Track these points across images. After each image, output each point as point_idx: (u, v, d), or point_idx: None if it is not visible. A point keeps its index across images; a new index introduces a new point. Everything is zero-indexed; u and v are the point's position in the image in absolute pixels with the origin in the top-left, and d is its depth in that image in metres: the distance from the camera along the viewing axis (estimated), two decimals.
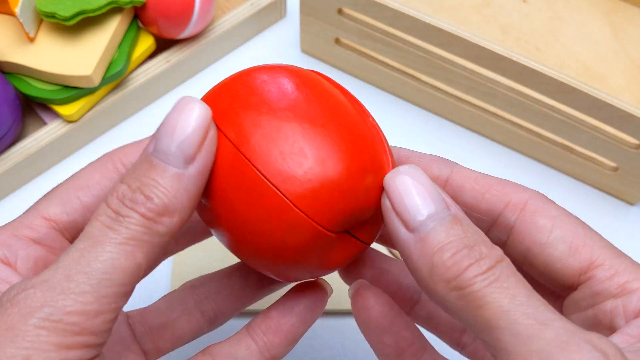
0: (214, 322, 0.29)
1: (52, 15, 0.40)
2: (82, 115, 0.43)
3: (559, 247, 0.23)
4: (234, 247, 0.23)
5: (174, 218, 0.21)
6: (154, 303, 0.30)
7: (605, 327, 0.21)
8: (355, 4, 0.42)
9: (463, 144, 0.46)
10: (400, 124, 0.47)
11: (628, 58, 0.49)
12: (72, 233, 0.26)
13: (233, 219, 0.22)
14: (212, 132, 0.22)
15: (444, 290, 0.20)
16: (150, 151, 0.21)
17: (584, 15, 0.51)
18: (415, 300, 0.28)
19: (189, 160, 0.21)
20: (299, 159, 0.21)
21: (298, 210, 0.20)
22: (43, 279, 0.20)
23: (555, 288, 0.24)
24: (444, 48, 0.41)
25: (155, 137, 0.22)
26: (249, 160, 0.21)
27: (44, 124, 0.44)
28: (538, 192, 0.24)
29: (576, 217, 0.24)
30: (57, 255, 0.25)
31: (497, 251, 0.20)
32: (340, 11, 0.44)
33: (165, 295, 0.30)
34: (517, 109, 0.42)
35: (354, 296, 0.25)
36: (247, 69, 0.25)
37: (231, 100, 0.23)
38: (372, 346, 0.26)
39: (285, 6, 0.51)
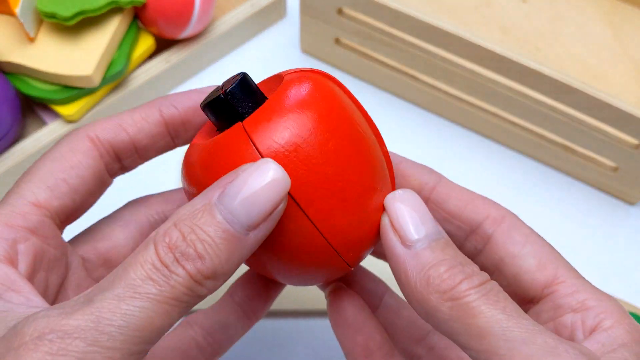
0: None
1: (52, 15, 0.40)
2: (82, 115, 0.43)
3: (529, 260, 0.25)
4: (264, 271, 0.25)
5: (218, 282, 0.20)
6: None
7: (566, 339, 0.22)
8: (355, 4, 0.42)
9: (463, 144, 0.46)
10: (400, 124, 0.47)
11: (628, 58, 0.49)
12: (62, 218, 0.24)
13: (278, 253, 0.23)
14: (283, 205, 0.21)
15: (438, 301, 0.21)
16: (214, 201, 0.20)
17: (584, 15, 0.51)
18: (375, 306, 0.29)
19: (253, 228, 0.20)
20: (347, 218, 0.23)
21: (339, 256, 0.23)
22: (74, 325, 0.18)
23: (519, 299, 0.25)
24: (444, 48, 0.41)
25: (223, 188, 0.20)
26: (305, 213, 0.22)
27: (44, 124, 0.44)
28: (512, 212, 0.26)
29: (544, 239, 0.26)
30: (51, 246, 0.24)
31: (484, 273, 0.22)
32: (340, 11, 0.44)
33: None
34: (517, 109, 0.42)
35: (330, 296, 0.27)
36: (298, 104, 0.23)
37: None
38: (343, 345, 0.27)
39: (285, 6, 0.51)
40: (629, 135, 0.39)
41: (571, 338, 0.23)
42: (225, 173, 0.21)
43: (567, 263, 0.25)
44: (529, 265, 0.25)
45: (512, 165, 0.45)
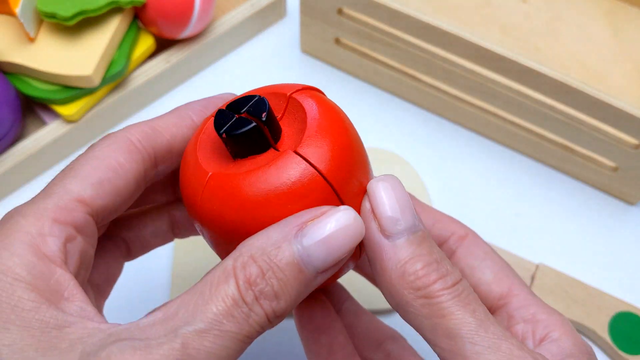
0: None
1: (52, 16, 0.40)
2: (82, 115, 0.43)
3: (486, 273, 0.27)
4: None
5: (281, 319, 0.20)
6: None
7: None
8: (355, 4, 0.42)
9: (463, 144, 0.46)
10: (400, 124, 0.47)
11: (628, 58, 0.49)
12: (100, 218, 0.23)
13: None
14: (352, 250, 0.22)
15: (411, 297, 0.22)
16: (292, 238, 0.20)
17: (584, 15, 0.51)
18: (337, 311, 0.30)
19: (322, 271, 0.21)
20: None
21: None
22: (161, 354, 0.18)
23: None
24: (444, 48, 0.41)
25: (301, 227, 0.20)
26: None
27: (44, 124, 0.44)
28: (474, 231, 0.29)
29: (502, 258, 0.28)
30: (91, 246, 0.23)
31: (457, 271, 0.23)
32: (340, 11, 0.44)
33: None
34: (517, 109, 0.42)
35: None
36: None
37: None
38: (306, 346, 0.28)
39: (285, 6, 0.51)
40: (629, 135, 0.39)
41: None
42: (290, 204, 0.21)
43: (521, 280, 0.27)
44: (486, 278, 0.27)
45: (512, 165, 0.45)
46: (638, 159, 0.40)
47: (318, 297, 0.28)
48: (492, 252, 0.28)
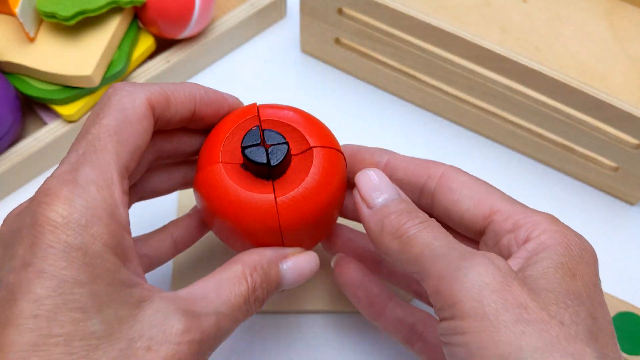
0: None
1: (52, 15, 0.40)
2: (82, 115, 0.43)
3: (466, 202, 0.29)
4: (225, 241, 0.32)
5: None
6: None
7: (504, 257, 0.27)
8: (355, 4, 0.42)
9: (463, 144, 0.46)
10: (400, 124, 0.47)
11: (628, 58, 0.49)
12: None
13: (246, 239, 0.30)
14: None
15: (390, 241, 0.27)
16: (280, 265, 0.29)
17: (584, 15, 0.51)
18: (378, 261, 0.35)
19: (288, 287, 0.30)
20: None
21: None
22: (203, 329, 0.25)
23: (472, 235, 0.30)
24: (443, 48, 0.41)
25: (285, 258, 0.29)
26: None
27: (44, 124, 0.44)
28: (453, 166, 0.31)
29: (482, 180, 0.30)
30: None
31: (426, 215, 0.28)
32: (340, 11, 0.44)
33: None
34: (517, 109, 0.42)
35: (336, 265, 0.34)
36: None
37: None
38: (351, 301, 0.34)
39: (285, 6, 0.51)
40: (629, 135, 0.39)
41: (509, 255, 0.27)
42: (253, 224, 0.29)
43: (502, 194, 0.29)
44: (467, 206, 0.29)
45: (512, 165, 0.45)
46: (638, 159, 0.40)
47: (350, 262, 0.34)
48: (469, 180, 0.30)
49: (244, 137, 0.29)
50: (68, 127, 0.43)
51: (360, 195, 0.29)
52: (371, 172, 0.30)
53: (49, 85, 0.42)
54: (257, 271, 0.28)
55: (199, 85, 0.31)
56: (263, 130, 0.29)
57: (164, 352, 0.23)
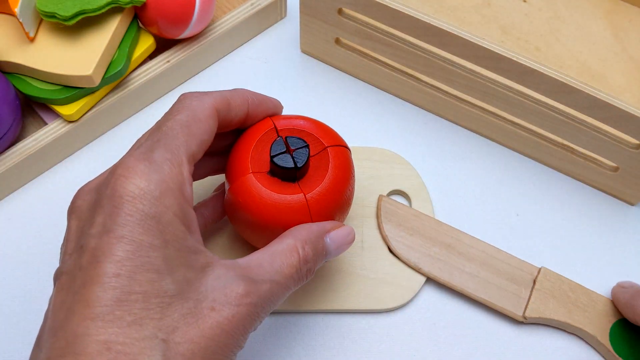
0: None
1: (52, 15, 0.40)
2: (82, 115, 0.43)
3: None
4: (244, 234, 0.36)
5: None
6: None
7: None
8: (355, 4, 0.42)
9: (463, 144, 0.46)
10: (400, 124, 0.47)
11: (628, 58, 0.49)
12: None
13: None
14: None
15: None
16: (326, 236, 0.32)
17: (584, 15, 0.51)
18: None
19: (330, 256, 0.33)
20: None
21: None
22: (260, 293, 0.28)
23: None
24: (443, 48, 0.41)
25: (329, 232, 0.32)
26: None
27: (44, 124, 0.44)
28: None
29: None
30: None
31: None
32: (340, 11, 0.44)
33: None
34: (517, 109, 0.42)
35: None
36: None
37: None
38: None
39: (285, 6, 0.51)
40: (629, 135, 0.39)
41: None
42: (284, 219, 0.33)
43: None
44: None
45: (512, 165, 0.45)
46: (638, 159, 0.40)
47: None
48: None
49: (271, 148, 0.33)
50: (68, 127, 0.43)
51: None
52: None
53: (49, 85, 0.42)
54: (307, 244, 0.31)
55: (248, 90, 0.34)
56: (286, 137, 0.33)
57: (226, 312, 0.26)
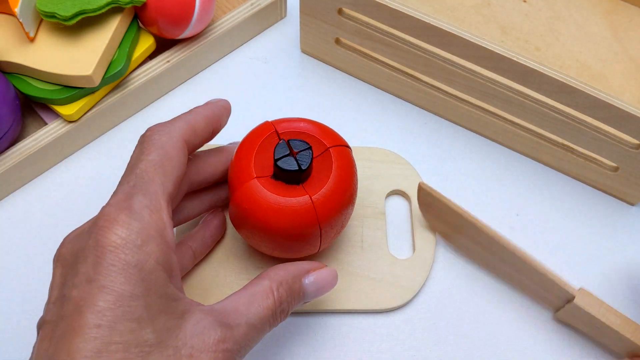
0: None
1: (52, 15, 0.40)
2: (82, 115, 0.43)
3: None
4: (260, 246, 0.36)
5: None
6: None
7: None
8: (355, 4, 0.42)
9: (463, 144, 0.46)
10: (400, 124, 0.47)
11: (628, 58, 0.49)
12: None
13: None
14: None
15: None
16: (303, 280, 0.32)
17: (584, 15, 0.51)
18: None
19: (309, 299, 0.33)
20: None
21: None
22: (236, 339, 0.29)
23: None
24: (443, 48, 0.41)
25: (309, 274, 0.32)
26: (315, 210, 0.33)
27: (44, 124, 0.44)
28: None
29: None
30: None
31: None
32: (340, 11, 0.44)
33: None
34: (517, 109, 0.42)
35: None
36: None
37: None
38: None
39: (285, 6, 0.51)
40: (629, 135, 0.39)
41: None
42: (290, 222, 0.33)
43: None
44: None
45: (512, 165, 0.45)
46: (638, 159, 0.40)
47: None
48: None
49: (274, 151, 0.33)
50: (68, 127, 0.43)
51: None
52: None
53: (49, 85, 0.42)
54: (282, 285, 0.31)
55: (202, 106, 0.34)
56: (288, 141, 0.33)
57: (204, 359, 0.27)
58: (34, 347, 0.27)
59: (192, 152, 0.33)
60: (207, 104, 0.35)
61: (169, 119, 0.46)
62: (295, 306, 0.32)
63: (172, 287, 0.28)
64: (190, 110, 0.34)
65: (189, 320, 0.28)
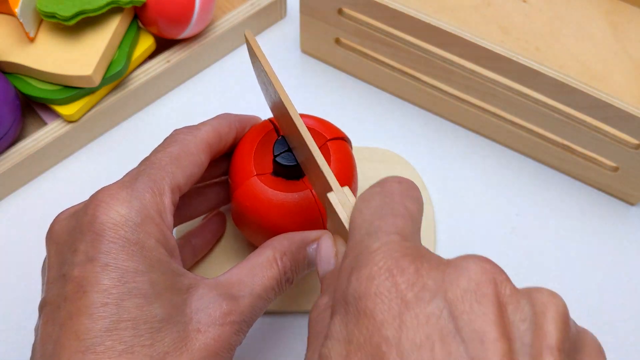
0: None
1: (52, 15, 0.40)
2: (82, 115, 0.43)
3: None
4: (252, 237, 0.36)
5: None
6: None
7: None
8: (355, 4, 0.42)
9: (463, 144, 0.46)
10: (400, 124, 0.47)
11: (628, 58, 0.49)
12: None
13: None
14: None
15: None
16: (307, 246, 0.31)
17: (584, 15, 0.51)
18: None
19: (313, 266, 0.32)
20: None
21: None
22: (241, 310, 0.28)
23: None
24: (444, 48, 0.41)
25: (313, 243, 0.31)
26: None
27: (44, 124, 0.44)
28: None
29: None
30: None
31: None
32: (340, 11, 0.44)
33: None
34: (517, 109, 0.42)
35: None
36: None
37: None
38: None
39: (285, 6, 0.51)
40: (629, 135, 0.39)
41: None
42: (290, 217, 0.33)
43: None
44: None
45: (512, 165, 0.45)
46: (638, 159, 0.40)
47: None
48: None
49: (273, 147, 0.33)
50: (68, 127, 0.43)
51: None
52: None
53: (49, 85, 0.42)
54: (286, 255, 0.30)
55: (231, 114, 0.35)
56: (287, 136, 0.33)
57: (211, 333, 0.27)
58: (36, 329, 0.27)
59: (215, 157, 0.33)
60: (235, 115, 0.35)
61: (169, 119, 0.46)
62: (301, 274, 0.31)
63: (174, 263, 0.28)
64: (219, 115, 0.34)
65: (194, 294, 0.28)
